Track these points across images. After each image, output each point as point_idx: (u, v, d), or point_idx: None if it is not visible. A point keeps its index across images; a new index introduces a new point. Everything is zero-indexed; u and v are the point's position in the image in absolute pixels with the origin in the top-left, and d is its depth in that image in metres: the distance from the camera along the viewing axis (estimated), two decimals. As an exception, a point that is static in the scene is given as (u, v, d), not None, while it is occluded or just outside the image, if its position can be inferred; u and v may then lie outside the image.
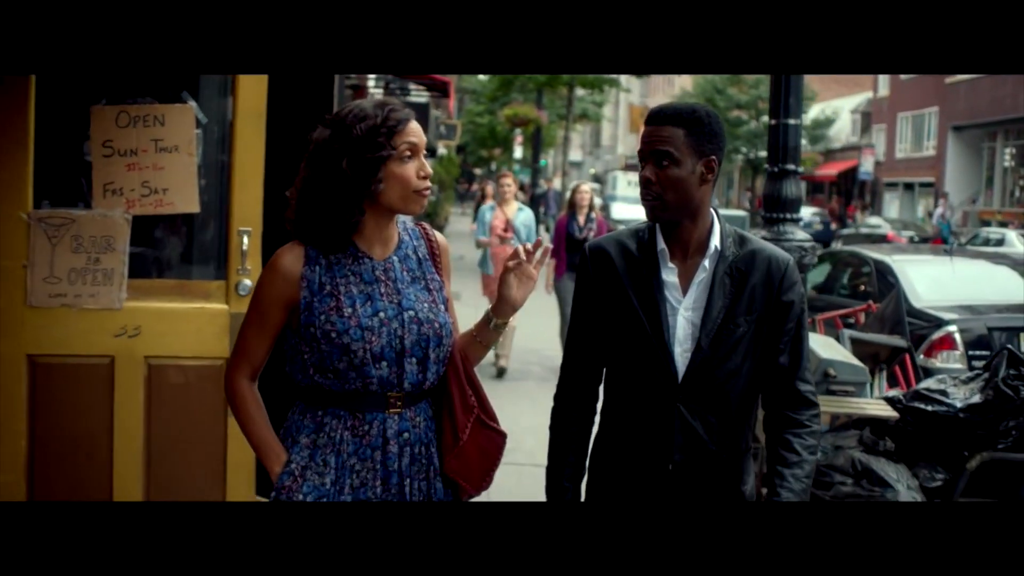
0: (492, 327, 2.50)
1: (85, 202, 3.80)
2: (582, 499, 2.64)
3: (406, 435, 2.41)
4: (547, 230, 24.90)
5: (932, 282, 8.05)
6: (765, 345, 2.50)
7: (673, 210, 2.43)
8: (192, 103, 3.85)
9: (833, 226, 35.42)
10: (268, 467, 2.40)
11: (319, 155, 2.35)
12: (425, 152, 2.41)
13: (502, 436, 2.55)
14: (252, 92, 3.86)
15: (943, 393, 4.74)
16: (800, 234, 5.66)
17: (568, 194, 10.75)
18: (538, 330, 10.13)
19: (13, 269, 3.75)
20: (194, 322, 3.87)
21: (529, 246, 2.47)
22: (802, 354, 2.54)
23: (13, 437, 3.82)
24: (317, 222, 2.36)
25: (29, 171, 3.73)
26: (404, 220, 2.53)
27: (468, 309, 8.52)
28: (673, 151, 2.39)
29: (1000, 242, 23.13)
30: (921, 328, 7.42)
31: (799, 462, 2.47)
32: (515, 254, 2.45)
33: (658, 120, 2.44)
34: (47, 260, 3.75)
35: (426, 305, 2.43)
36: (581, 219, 9.35)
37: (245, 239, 3.84)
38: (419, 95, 14.61)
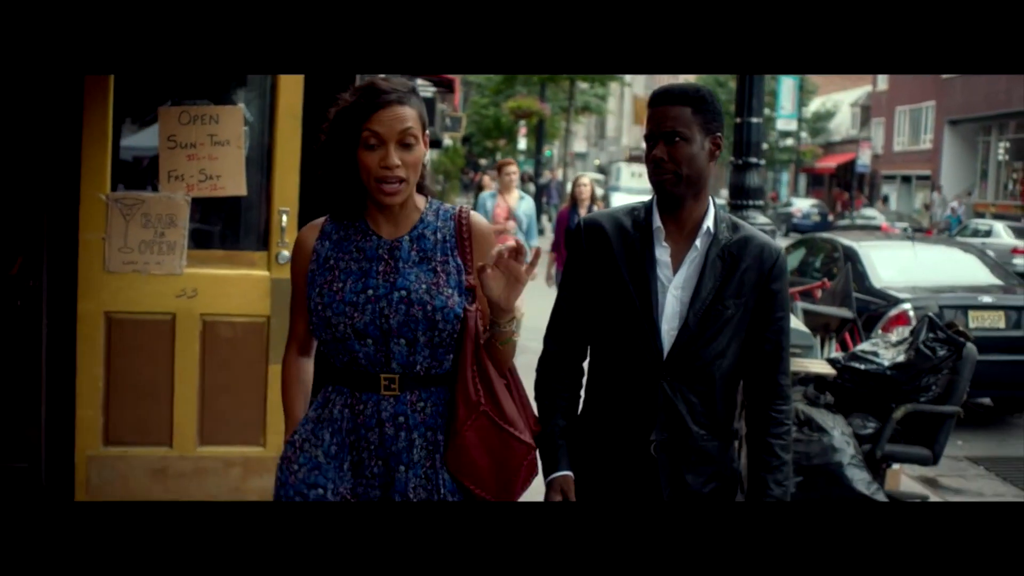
0: (498, 328, 2.38)
1: (154, 186, 4.60)
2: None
3: (402, 419, 2.35)
4: (549, 220, 25.60)
5: (893, 265, 8.78)
6: (751, 332, 2.51)
7: (686, 184, 2.44)
8: (241, 105, 4.64)
9: (830, 217, 36.12)
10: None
11: (326, 130, 2.39)
12: (408, 141, 2.31)
13: (526, 446, 2.40)
14: (290, 96, 4.64)
15: (874, 354, 5.53)
16: (761, 219, 6.45)
17: (570, 186, 10.44)
18: (540, 312, 10.25)
19: (94, 241, 4.53)
20: (241, 286, 4.66)
21: (515, 240, 2.37)
22: (784, 346, 2.55)
23: (92, 380, 4.62)
24: (324, 188, 2.42)
25: (108, 159, 4.52)
26: (439, 201, 2.50)
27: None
28: (684, 129, 2.41)
29: (988, 233, 23.74)
30: (880, 306, 8.19)
31: (780, 465, 2.51)
32: (499, 255, 2.29)
33: (665, 100, 2.45)
34: (122, 233, 4.53)
35: (424, 286, 2.34)
36: (583, 211, 9.32)
37: (284, 217, 4.62)
38: (425, 90, 15.34)
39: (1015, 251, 22.25)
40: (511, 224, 9.14)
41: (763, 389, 2.55)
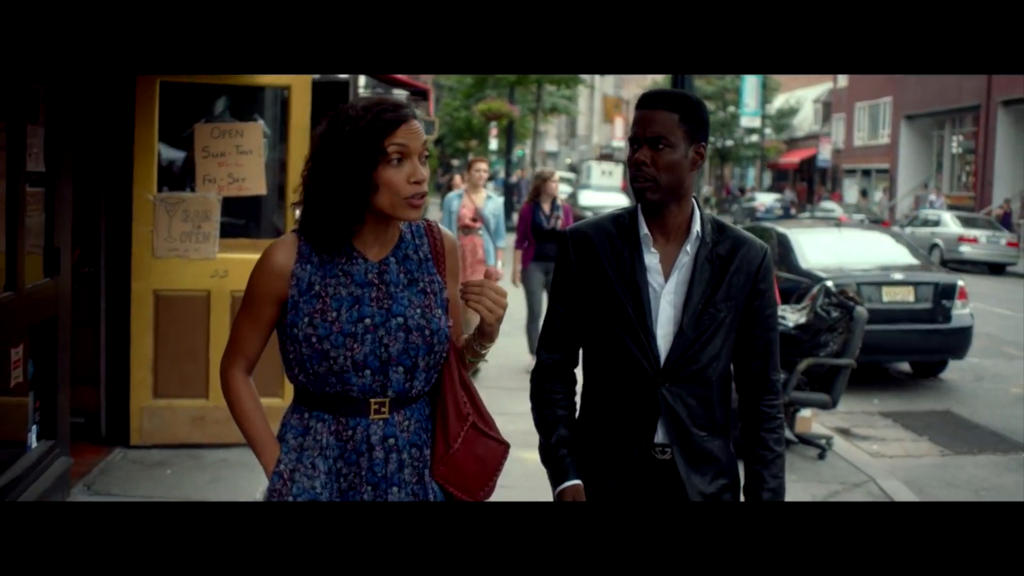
0: (479, 349, 2.39)
1: (191, 187, 5.68)
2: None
3: (391, 441, 2.30)
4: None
5: (820, 249, 9.92)
6: (742, 330, 2.51)
7: (665, 192, 2.41)
8: (260, 121, 5.73)
9: (793, 211, 37.47)
10: (263, 464, 2.32)
11: (318, 155, 2.26)
12: (425, 155, 2.26)
13: (503, 446, 2.41)
14: (299, 111, 5.74)
15: (782, 317, 6.68)
16: (705, 212, 7.58)
17: (533, 181, 9.75)
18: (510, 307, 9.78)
19: (144, 233, 5.61)
20: (263, 268, 5.74)
21: (493, 269, 2.55)
22: (774, 341, 2.55)
23: (143, 346, 5.70)
24: (318, 222, 2.26)
25: (154, 165, 5.60)
26: None
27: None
28: (669, 135, 2.37)
29: (937, 223, 25.01)
30: (807, 284, 9.34)
31: (774, 459, 2.52)
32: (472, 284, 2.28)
33: (653, 104, 2.43)
34: (166, 226, 5.61)
35: (419, 311, 2.29)
36: (547, 207, 8.99)
37: (296, 211, 5.69)
38: (400, 98, 16.21)
39: (962, 239, 23.60)
40: (477, 224, 8.88)
41: (755, 385, 2.55)
